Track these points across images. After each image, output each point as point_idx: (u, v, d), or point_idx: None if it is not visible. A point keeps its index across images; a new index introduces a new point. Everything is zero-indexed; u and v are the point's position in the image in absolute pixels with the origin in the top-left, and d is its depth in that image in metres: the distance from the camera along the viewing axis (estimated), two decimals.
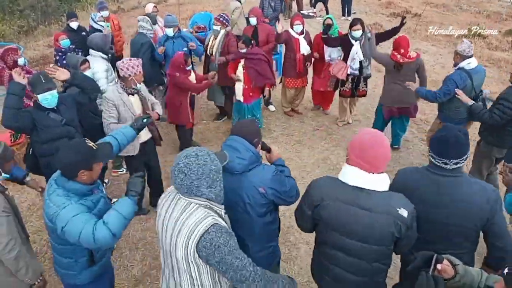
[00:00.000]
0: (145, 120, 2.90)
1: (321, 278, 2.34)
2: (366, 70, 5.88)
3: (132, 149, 3.87)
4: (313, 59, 6.35)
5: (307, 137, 6.17)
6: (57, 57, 5.85)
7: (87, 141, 2.28)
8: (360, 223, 2.03)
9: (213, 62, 5.89)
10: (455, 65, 4.52)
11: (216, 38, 5.87)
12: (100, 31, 6.33)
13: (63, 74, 3.26)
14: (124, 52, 7.72)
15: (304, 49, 6.12)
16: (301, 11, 13.30)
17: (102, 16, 6.67)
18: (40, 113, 3.20)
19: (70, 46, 5.85)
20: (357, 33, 5.58)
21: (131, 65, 3.68)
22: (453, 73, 4.46)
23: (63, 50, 5.78)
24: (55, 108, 3.26)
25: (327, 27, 5.81)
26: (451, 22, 12.95)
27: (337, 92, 6.37)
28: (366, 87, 6.12)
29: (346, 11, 12.89)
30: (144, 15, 6.64)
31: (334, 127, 6.44)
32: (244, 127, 2.45)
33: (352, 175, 2.05)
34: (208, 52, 6.02)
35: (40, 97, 3.13)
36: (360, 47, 5.65)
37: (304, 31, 6.12)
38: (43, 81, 3.11)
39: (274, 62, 7.82)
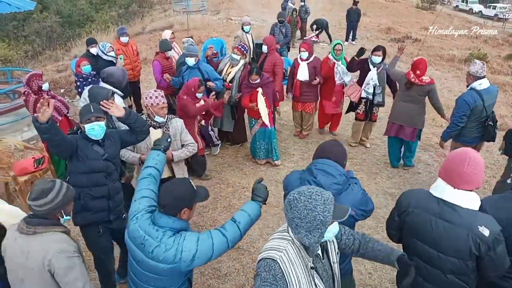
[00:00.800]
0: (168, 140, 2.83)
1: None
2: (378, 97, 5.99)
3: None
4: (321, 82, 6.38)
5: None
6: (78, 83, 5.82)
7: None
8: (438, 233, 2.11)
9: (227, 87, 5.95)
10: (468, 86, 4.61)
11: (233, 67, 5.96)
12: (112, 62, 6.27)
13: (118, 111, 3.10)
14: (141, 77, 7.74)
15: (301, 75, 6.24)
16: (304, 38, 13.61)
17: (111, 46, 6.51)
18: (84, 142, 3.07)
19: (91, 72, 5.86)
20: (377, 58, 5.73)
21: (151, 95, 3.70)
22: (464, 94, 4.56)
23: (84, 76, 5.78)
24: (100, 141, 3.12)
25: (360, 50, 6.00)
26: (451, 46, 13.32)
27: (345, 113, 6.60)
28: (377, 112, 6.28)
29: (350, 37, 13.22)
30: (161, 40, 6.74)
31: (354, 151, 6.46)
32: (335, 150, 2.42)
33: (438, 188, 2.17)
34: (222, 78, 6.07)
35: (87, 127, 2.99)
36: (377, 73, 5.79)
37: (312, 58, 6.23)
38: (92, 111, 2.99)
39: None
